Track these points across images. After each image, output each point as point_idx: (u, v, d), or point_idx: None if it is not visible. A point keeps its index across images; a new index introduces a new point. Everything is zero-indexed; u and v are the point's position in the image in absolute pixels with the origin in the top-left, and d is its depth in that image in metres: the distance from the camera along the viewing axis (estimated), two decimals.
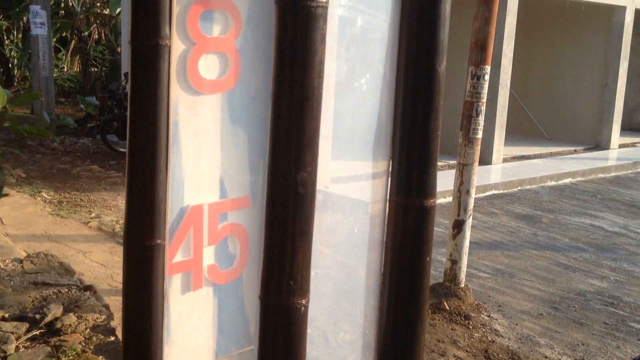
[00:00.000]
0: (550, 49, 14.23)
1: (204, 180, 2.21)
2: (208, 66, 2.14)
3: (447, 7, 1.92)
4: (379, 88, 2.11)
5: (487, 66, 6.00)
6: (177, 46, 2.05)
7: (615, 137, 13.52)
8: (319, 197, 2.14)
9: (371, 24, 2.08)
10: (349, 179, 2.34)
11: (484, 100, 6.03)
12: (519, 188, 9.98)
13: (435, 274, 5.78)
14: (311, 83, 1.71)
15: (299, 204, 1.79)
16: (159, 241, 2.05)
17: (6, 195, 3.07)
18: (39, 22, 11.47)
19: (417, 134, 1.96)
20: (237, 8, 2.13)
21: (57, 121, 3.50)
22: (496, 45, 10.68)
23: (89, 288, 4.59)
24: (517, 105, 14.19)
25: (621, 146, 13.73)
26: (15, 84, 17.46)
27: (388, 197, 2.14)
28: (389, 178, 2.20)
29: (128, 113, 2.03)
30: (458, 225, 5.58)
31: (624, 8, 12.87)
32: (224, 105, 2.19)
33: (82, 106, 3.85)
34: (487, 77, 5.98)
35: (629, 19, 13.00)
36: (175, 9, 2.01)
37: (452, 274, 5.44)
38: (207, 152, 2.20)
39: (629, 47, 13.20)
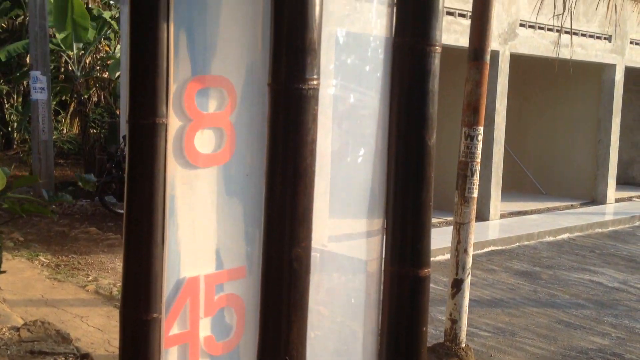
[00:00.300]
0: (543, 105, 14.43)
1: (200, 252, 2.24)
2: (204, 141, 2.19)
3: (435, 84, 1.98)
4: (371, 161, 2.16)
5: (480, 127, 6.08)
6: (174, 123, 2.11)
7: (611, 192, 13.59)
8: (317, 256, 2.16)
9: (362, 101, 2.14)
10: (346, 237, 2.36)
11: (478, 160, 6.09)
12: (518, 244, 9.97)
13: (436, 333, 5.74)
14: (303, 161, 1.75)
15: (294, 279, 1.81)
16: (155, 315, 2.06)
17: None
18: (38, 87, 11.65)
19: (409, 205, 2.00)
20: (233, 85, 2.20)
21: (55, 199, 3.53)
22: (489, 103, 10.85)
23: (86, 356, 4.55)
24: (513, 161, 14.30)
25: (617, 200, 13.79)
26: (15, 146, 17.59)
27: (383, 267, 2.16)
28: (384, 237, 2.23)
29: (125, 189, 2.07)
30: (457, 285, 5.56)
31: (613, 66, 13.12)
32: (219, 177, 2.24)
33: (80, 183, 3.90)
34: (480, 137, 6.05)
35: (619, 76, 13.24)
36: (172, 88, 2.07)
37: (452, 334, 5.40)
38: (203, 224, 2.23)
39: (620, 104, 13.40)
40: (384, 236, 2.23)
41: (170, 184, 2.13)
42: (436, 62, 2.00)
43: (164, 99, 2.01)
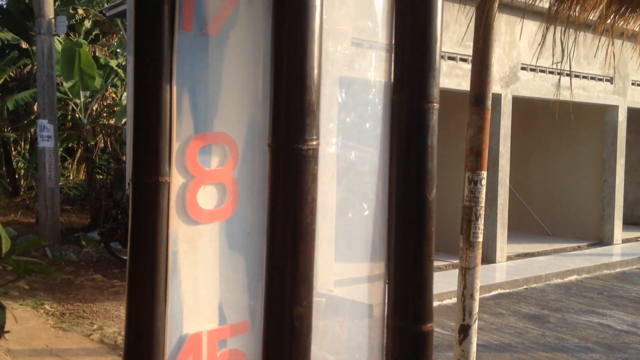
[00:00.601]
0: (547, 146, 14.48)
1: (203, 307, 2.24)
2: (206, 197, 2.21)
3: (433, 139, 2.01)
4: (371, 215, 2.18)
5: (483, 172, 6.09)
6: (177, 180, 2.14)
7: (618, 232, 13.53)
8: (322, 301, 2.16)
9: (362, 158, 2.18)
10: (352, 282, 2.36)
11: (482, 204, 6.08)
12: (525, 287, 9.90)
13: None
14: (304, 221, 1.77)
15: (296, 338, 1.81)
16: None
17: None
18: (46, 135, 11.77)
19: (410, 259, 2.01)
20: (235, 141, 2.23)
21: (59, 258, 3.56)
22: (493, 146, 10.90)
23: None
24: (518, 202, 14.29)
25: (624, 241, 13.71)
26: (22, 193, 17.69)
27: (385, 322, 2.16)
28: (387, 282, 2.23)
29: (128, 248, 2.09)
30: (464, 330, 5.51)
31: (616, 107, 13.21)
32: (222, 233, 2.25)
33: (84, 242, 3.92)
34: (483, 182, 6.05)
35: (622, 117, 13.31)
36: (175, 146, 2.10)
37: None
38: (206, 279, 2.24)
39: (624, 145, 13.44)
40: (387, 284, 2.23)
41: (172, 241, 2.15)
42: (434, 118, 2.03)
43: (166, 157, 2.04)
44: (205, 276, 2.23)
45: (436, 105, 2.03)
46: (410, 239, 2.02)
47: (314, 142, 1.72)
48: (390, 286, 2.11)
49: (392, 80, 2.08)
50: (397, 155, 2.05)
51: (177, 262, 2.16)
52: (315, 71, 1.70)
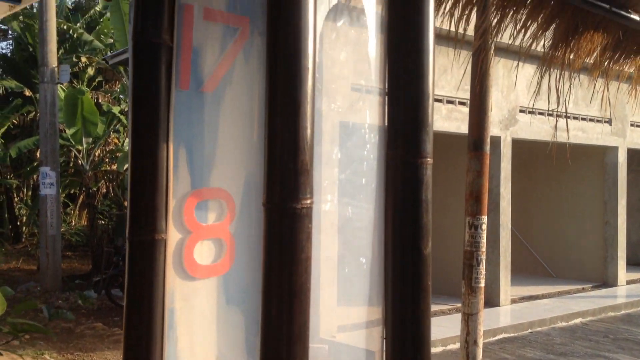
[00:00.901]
0: (548, 187, 14.49)
1: None
2: (203, 252, 2.22)
3: (428, 194, 2.03)
4: (367, 271, 2.18)
5: (483, 216, 6.09)
6: (174, 236, 2.14)
7: (622, 274, 13.44)
8: (325, 348, 2.14)
9: (358, 214, 2.19)
10: (354, 327, 2.35)
11: (484, 249, 6.07)
12: (530, 330, 9.80)
13: None
14: (299, 279, 1.78)
15: None
16: None
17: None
18: (48, 182, 11.83)
19: (408, 314, 2.00)
20: (231, 196, 2.24)
21: (56, 316, 3.55)
22: (494, 188, 10.92)
23: None
24: (521, 244, 14.24)
25: (629, 282, 13.62)
26: (24, 240, 17.68)
27: None
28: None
29: (124, 304, 2.09)
30: None
31: (615, 148, 13.26)
32: (219, 288, 2.25)
33: (80, 301, 3.91)
34: (484, 226, 6.05)
35: (622, 158, 13.35)
36: (172, 202, 2.12)
37: None
38: (202, 336, 2.22)
39: (625, 185, 13.44)
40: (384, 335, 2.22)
41: (169, 297, 2.14)
42: (428, 173, 2.05)
43: (163, 214, 2.05)
44: (202, 332, 2.22)
45: (430, 160, 2.05)
46: (407, 294, 2.02)
47: (308, 201, 1.73)
48: (388, 340, 2.09)
49: (385, 124, 2.12)
50: (392, 210, 2.06)
51: (173, 320, 2.15)
52: (309, 131, 1.73)
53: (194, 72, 2.19)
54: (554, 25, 4.02)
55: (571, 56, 4.31)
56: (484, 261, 6.13)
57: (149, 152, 2.02)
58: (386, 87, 2.25)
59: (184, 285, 2.18)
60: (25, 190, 17.97)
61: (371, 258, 2.17)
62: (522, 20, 3.86)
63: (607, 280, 13.40)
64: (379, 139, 2.17)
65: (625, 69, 5.19)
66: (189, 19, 2.15)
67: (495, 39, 4.25)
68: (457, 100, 10.48)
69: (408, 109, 2.07)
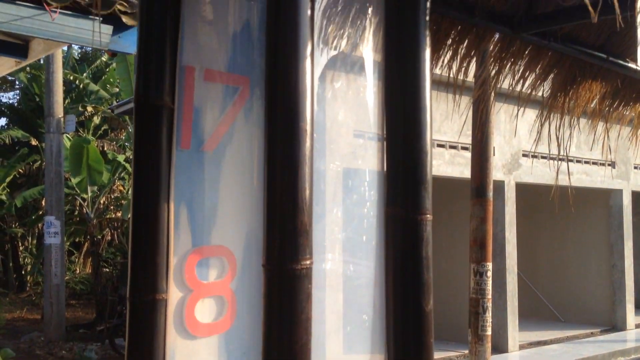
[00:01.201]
0: (553, 231, 14.43)
1: None
2: (205, 310, 2.21)
3: (428, 250, 2.03)
4: (369, 329, 2.17)
5: (488, 263, 6.06)
6: (175, 294, 2.14)
7: (631, 317, 13.28)
8: None
9: (358, 272, 2.19)
10: None
11: (489, 296, 6.02)
12: None
13: None
14: (299, 340, 1.77)
15: None
16: None
17: None
18: (52, 231, 11.85)
19: None
20: (233, 253, 2.25)
21: None
22: (499, 232, 10.89)
23: None
24: (528, 288, 14.11)
25: (638, 326, 13.44)
26: (28, 288, 17.61)
27: None
28: None
29: None
30: None
31: (620, 191, 13.24)
32: (220, 346, 2.23)
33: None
34: (489, 273, 6.02)
35: (627, 201, 13.32)
36: (173, 261, 2.12)
37: None
38: None
39: (630, 228, 13.39)
40: None
41: (170, 356, 2.13)
42: (428, 229, 2.06)
43: (164, 274, 2.05)
44: None
45: (429, 217, 2.06)
46: (410, 352, 2.00)
47: (308, 261, 1.74)
48: None
49: (385, 170, 2.13)
50: (393, 267, 2.06)
51: None
52: (307, 192, 1.74)
53: (195, 132, 2.21)
54: (552, 76, 4.06)
55: (570, 104, 4.35)
56: (490, 309, 6.08)
57: (150, 212, 2.04)
58: (384, 133, 2.27)
59: (185, 344, 2.17)
60: (30, 238, 17.97)
61: (372, 315, 2.16)
62: (520, 72, 3.90)
63: (615, 324, 13.23)
64: (379, 194, 2.18)
65: (626, 113, 5.22)
66: (190, 80, 2.19)
67: (494, 89, 4.29)
68: (460, 145, 10.53)
69: (407, 166, 2.09)
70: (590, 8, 1.78)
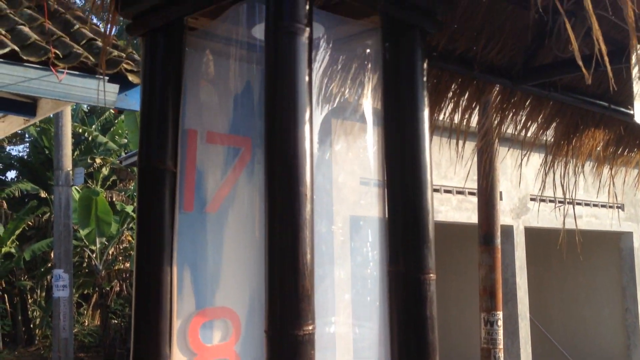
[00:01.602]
0: (564, 274, 14.28)
1: None
2: None
3: (432, 309, 2.01)
4: None
5: (498, 312, 6.00)
6: (178, 358, 2.13)
7: None
8: None
9: (362, 334, 2.18)
10: None
11: (501, 346, 5.94)
12: None
13: None
14: None
15: None
16: None
17: None
18: (61, 284, 11.84)
19: None
20: (237, 314, 2.24)
21: None
22: (509, 278, 10.79)
23: None
24: (541, 334, 13.90)
25: None
26: (37, 342, 17.49)
27: None
28: None
29: None
30: None
31: (630, 234, 13.13)
32: None
33: None
34: (500, 322, 5.95)
35: (637, 244, 13.20)
36: (176, 324, 2.11)
37: None
38: None
39: None
40: None
41: None
42: (432, 289, 2.05)
43: (167, 339, 2.04)
44: None
45: (432, 276, 2.05)
46: None
47: (310, 327, 1.73)
48: None
49: (386, 216, 2.13)
50: (397, 328, 2.05)
51: None
52: (308, 257, 1.75)
53: (198, 194, 2.23)
54: (554, 124, 4.09)
55: (574, 151, 4.36)
56: (502, 358, 5.99)
57: (152, 276, 2.04)
58: (385, 178, 2.27)
59: None
60: (39, 291, 17.92)
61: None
62: (522, 121, 3.93)
63: None
64: (381, 255, 2.18)
65: (632, 156, 5.23)
66: (193, 143, 2.22)
67: (499, 136, 4.32)
68: (467, 190, 10.53)
69: (408, 225, 2.09)
70: (584, 70, 1.80)
